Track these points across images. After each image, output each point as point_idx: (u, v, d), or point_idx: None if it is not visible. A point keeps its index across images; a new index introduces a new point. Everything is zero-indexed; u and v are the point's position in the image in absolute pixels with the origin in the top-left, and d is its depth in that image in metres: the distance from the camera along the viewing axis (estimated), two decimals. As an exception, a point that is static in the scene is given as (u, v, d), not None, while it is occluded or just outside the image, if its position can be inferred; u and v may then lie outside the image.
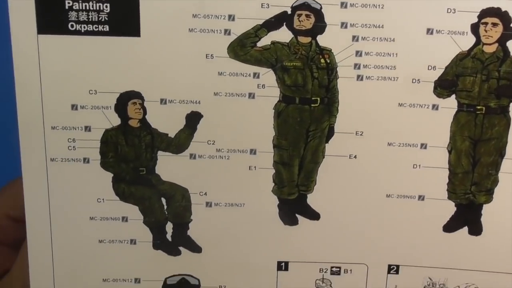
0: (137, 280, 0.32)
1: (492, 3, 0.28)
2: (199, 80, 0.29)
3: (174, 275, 0.32)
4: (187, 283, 0.32)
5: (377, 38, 0.29)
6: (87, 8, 0.28)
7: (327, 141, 0.30)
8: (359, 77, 0.29)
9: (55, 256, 0.31)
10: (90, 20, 0.28)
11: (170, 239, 0.32)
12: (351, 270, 0.32)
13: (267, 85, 0.30)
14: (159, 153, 0.31)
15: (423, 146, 0.30)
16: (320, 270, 0.32)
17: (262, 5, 0.28)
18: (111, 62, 0.29)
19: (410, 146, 0.30)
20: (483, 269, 0.32)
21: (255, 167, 0.31)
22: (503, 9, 0.28)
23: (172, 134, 0.30)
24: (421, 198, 0.31)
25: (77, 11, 0.28)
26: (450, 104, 0.30)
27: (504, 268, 0.32)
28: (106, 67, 0.29)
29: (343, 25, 0.29)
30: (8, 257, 0.34)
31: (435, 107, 0.30)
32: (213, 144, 0.30)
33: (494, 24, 0.28)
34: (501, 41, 0.29)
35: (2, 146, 0.38)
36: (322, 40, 0.29)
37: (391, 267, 0.32)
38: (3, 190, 0.34)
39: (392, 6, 0.28)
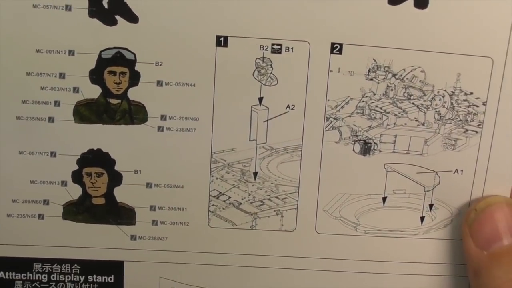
0: (71, 52, 0.31)
1: None
2: None
3: (109, 48, 0.31)
4: (122, 57, 0.31)
5: None
6: None
7: None
8: None
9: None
10: None
11: (106, 6, 0.31)
12: (292, 48, 0.31)
13: None
14: None
15: None
16: (260, 47, 0.31)
17: None
18: None
19: None
20: (428, 49, 0.31)
21: None
22: None
23: None
24: (367, -35, 0.30)
25: None
26: None
27: (448, 48, 0.30)
28: None
29: None
30: None
31: None
32: None
33: None
34: None
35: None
36: None
37: (335, 45, 0.31)
38: None
39: None
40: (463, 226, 0.32)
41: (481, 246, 0.31)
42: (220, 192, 0.32)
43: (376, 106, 0.32)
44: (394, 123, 0.32)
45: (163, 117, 0.32)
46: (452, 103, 0.31)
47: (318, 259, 0.33)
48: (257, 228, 0.33)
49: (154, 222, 0.33)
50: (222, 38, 0.31)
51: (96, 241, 0.33)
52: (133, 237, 0.33)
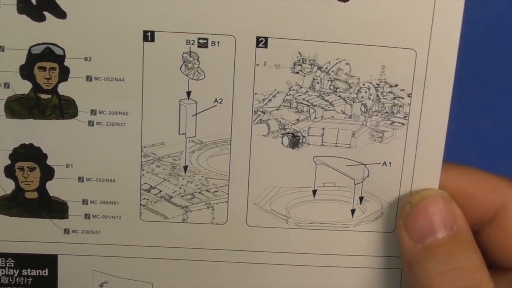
0: (1, 48, 0.31)
1: None
2: None
3: (38, 44, 0.32)
4: (51, 52, 0.32)
5: None
6: None
7: None
8: None
9: None
10: None
11: (34, 2, 0.31)
12: (218, 42, 0.31)
13: None
14: None
15: None
16: (187, 42, 0.31)
17: None
18: None
19: None
20: (352, 42, 0.31)
21: None
22: None
23: None
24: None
25: None
26: None
27: (371, 40, 0.31)
28: None
29: None
30: None
31: None
32: None
33: None
34: None
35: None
36: None
37: (260, 39, 0.31)
38: None
39: None
40: (398, 219, 0.32)
41: (415, 239, 0.31)
42: (151, 186, 0.33)
43: (303, 99, 0.32)
44: (322, 116, 0.32)
45: (93, 112, 0.32)
46: (378, 95, 0.31)
47: (249, 252, 0.33)
48: (189, 221, 0.33)
49: (87, 216, 0.33)
50: (149, 33, 0.31)
51: (29, 235, 0.33)
52: (66, 231, 0.33)
